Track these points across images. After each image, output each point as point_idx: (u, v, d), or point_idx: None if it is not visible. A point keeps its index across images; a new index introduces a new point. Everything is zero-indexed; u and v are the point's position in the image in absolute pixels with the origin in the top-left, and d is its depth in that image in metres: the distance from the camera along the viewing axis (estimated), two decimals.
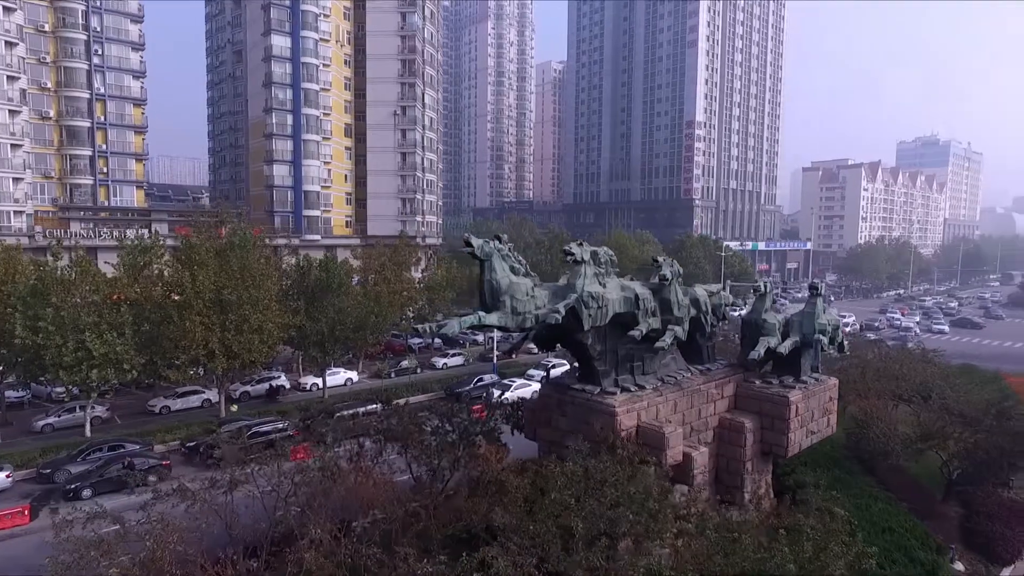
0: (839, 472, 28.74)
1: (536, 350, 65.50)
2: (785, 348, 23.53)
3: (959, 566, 23.84)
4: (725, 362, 26.32)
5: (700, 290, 24.41)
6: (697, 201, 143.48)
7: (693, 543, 14.73)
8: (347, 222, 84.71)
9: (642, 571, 13.71)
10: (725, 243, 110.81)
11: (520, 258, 21.10)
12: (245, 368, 39.95)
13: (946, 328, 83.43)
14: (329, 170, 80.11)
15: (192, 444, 35.74)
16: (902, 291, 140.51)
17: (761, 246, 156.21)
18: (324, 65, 77.74)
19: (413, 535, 16.50)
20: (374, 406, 40.89)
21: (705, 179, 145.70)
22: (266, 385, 48.15)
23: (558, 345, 24.45)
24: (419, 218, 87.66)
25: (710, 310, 24.34)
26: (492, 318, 18.84)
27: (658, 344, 21.10)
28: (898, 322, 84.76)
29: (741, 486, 23.33)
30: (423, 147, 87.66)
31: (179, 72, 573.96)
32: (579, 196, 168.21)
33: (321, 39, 76.76)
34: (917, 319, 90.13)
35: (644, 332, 20.82)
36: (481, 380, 49.39)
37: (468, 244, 19.49)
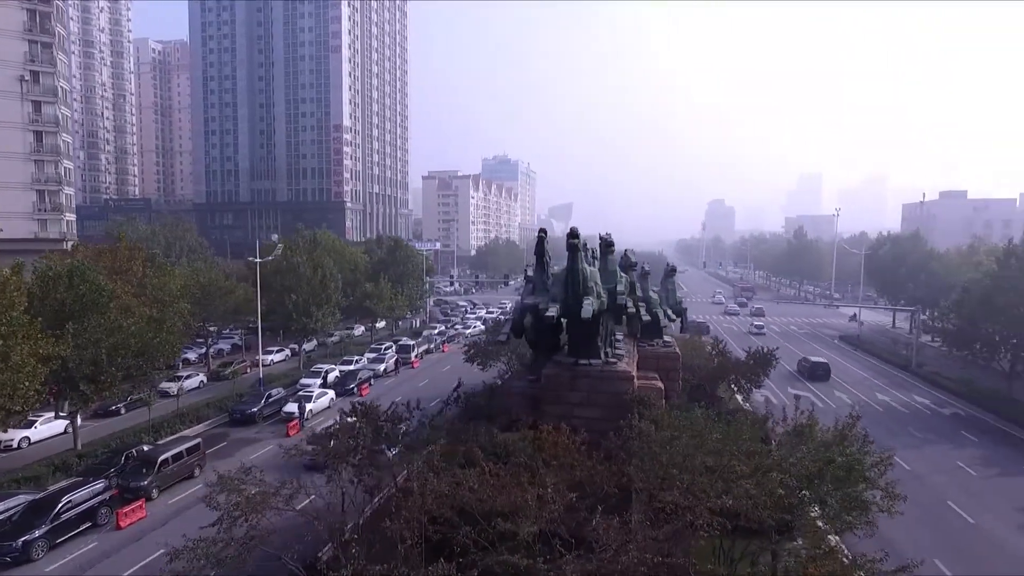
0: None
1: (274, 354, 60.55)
2: (671, 316, 31.05)
3: None
4: (622, 332, 32.49)
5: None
6: (348, 204, 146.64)
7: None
8: None
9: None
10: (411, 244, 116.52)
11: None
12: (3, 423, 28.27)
13: None
14: None
15: None
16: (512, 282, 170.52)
17: None
18: None
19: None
20: (195, 442, 33.76)
21: (353, 183, 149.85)
22: None
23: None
24: (64, 216, 69.01)
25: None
26: (590, 303, 20.54)
27: (646, 319, 25.81)
28: None
29: None
30: (63, 126, 69.20)
31: None
32: (213, 195, 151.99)
33: None
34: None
35: (636, 311, 25.26)
36: (271, 396, 44.49)
37: (574, 236, 20.66)
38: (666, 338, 33.09)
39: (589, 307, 20.22)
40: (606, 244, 24.33)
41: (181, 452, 32.04)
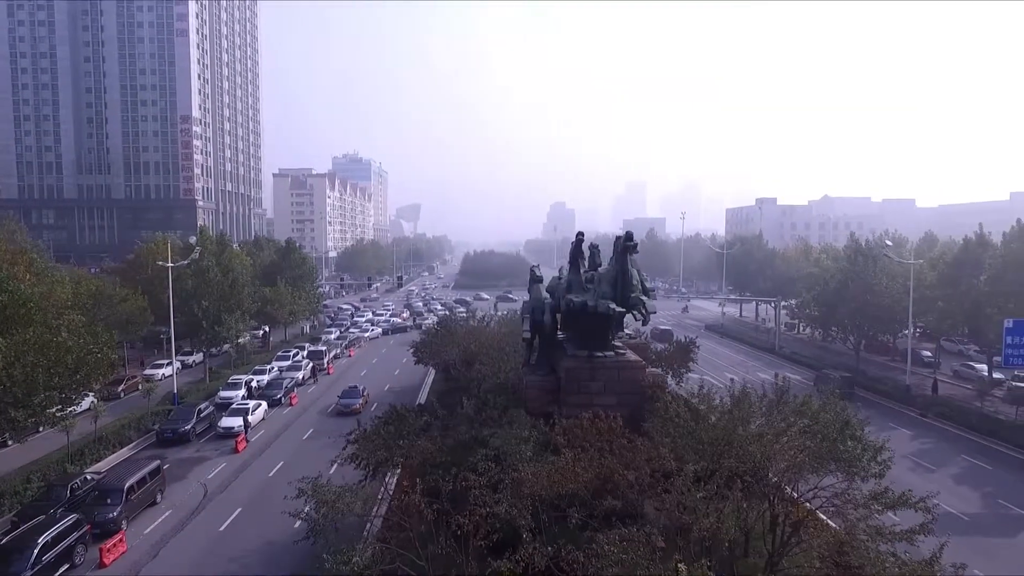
0: None
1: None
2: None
3: None
4: None
5: None
6: (200, 202, 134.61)
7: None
8: None
9: None
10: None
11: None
12: None
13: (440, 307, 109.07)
14: None
15: None
16: (382, 283, 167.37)
17: None
18: None
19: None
20: (155, 464, 30.61)
21: (205, 179, 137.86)
22: None
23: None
24: None
25: None
26: (646, 300, 22.51)
27: (651, 314, 28.26)
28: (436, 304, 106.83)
29: None
30: None
31: None
32: (27, 190, 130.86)
33: None
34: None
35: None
36: (201, 411, 41.03)
37: (630, 239, 22.34)
38: (628, 330, 36.31)
39: (652, 304, 22.45)
40: (633, 246, 26.45)
41: (144, 477, 29.13)
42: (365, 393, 47.92)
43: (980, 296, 50.09)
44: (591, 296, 24.05)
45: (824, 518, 20.04)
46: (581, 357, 27.11)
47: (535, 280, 28.23)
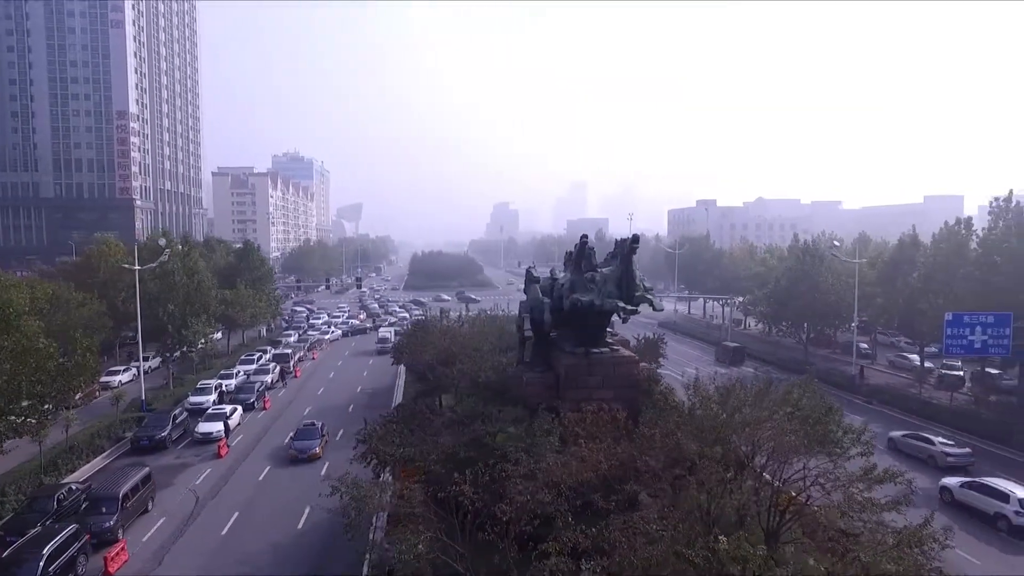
0: None
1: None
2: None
3: None
4: None
5: None
6: (138, 202, 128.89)
7: None
8: None
9: None
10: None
11: None
12: None
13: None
14: None
15: None
16: (332, 283, 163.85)
17: None
18: None
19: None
20: (145, 471, 29.95)
21: (143, 178, 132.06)
22: None
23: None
24: None
25: None
26: (655, 299, 23.92)
27: (659, 311, 29.71)
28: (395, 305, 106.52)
29: None
30: None
31: None
32: None
33: None
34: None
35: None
36: (176, 418, 40.10)
37: (636, 242, 23.60)
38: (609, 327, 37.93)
39: (662, 304, 23.88)
40: (636, 248, 27.73)
41: (136, 485, 28.55)
42: (325, 432, 38.17)
43: (913, 292, 54.45)
44: (596, 295, 25.35)
45: (800, 498, 22.19)
46: (579, 354, 28.40)
47: (532, 280, 29.33)
